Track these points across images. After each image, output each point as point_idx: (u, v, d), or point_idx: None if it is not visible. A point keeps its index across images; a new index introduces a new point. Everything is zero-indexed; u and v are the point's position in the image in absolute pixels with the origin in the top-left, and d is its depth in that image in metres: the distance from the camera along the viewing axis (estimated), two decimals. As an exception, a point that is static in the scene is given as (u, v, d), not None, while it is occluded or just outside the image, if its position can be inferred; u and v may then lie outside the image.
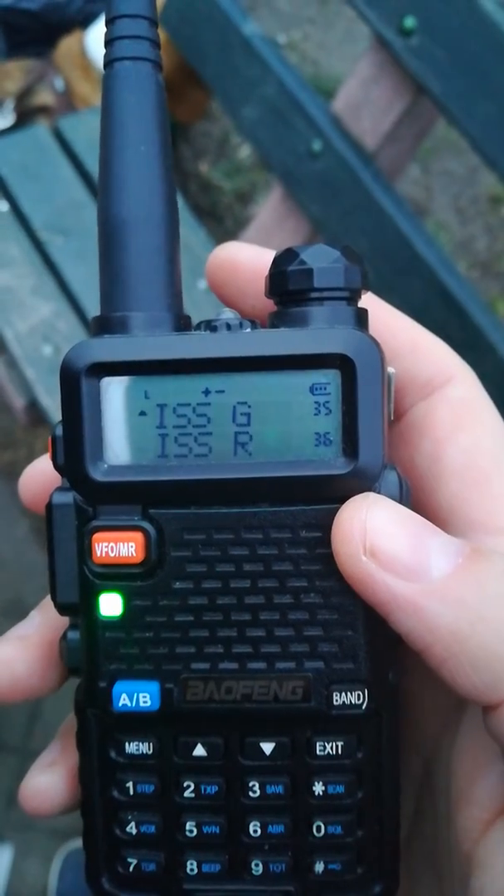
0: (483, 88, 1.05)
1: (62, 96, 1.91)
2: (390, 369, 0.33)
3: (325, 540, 0.31)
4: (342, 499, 0.31)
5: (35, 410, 1.46)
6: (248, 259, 0.36)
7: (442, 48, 1.07)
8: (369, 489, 0.31)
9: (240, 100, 1.30)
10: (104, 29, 0.34)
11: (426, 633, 0.29)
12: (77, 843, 1.60)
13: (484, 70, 1.04)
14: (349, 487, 0.31)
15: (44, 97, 1.91)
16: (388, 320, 0.36)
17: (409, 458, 0.36)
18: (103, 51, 0.34)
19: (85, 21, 1.95)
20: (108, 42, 0.34)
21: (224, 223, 2.29)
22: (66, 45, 1.93)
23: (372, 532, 0.30)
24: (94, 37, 1.93)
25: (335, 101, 1.25)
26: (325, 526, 0.31)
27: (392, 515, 0.30)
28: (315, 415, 0.31)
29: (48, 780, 0.37)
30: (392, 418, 0.33)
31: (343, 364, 0.31)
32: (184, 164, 2.37)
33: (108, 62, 0.34)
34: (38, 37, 1.97)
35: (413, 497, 0.35)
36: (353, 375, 0.31)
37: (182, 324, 0.33)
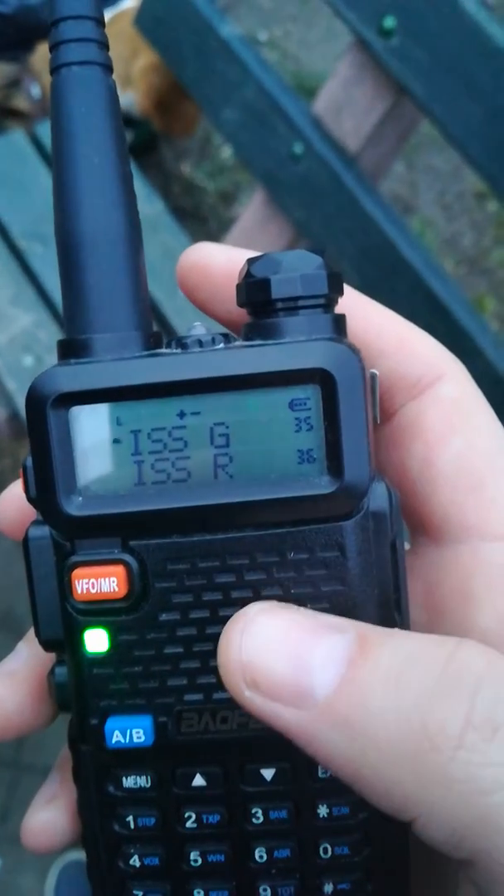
0: (465, 89, 1.03)
1: (38, 104, 1.88)
2: (374, 371, 0.32)
3: (314, 561, 0.30)
4: (330, 518, 0.30)
5: (17, 422, 1.44)
6: (221, 263, 0.34)
7: (423, 49, 1.05)
8: (357, 505, 0.30)
9: (219, 103, 1.28)
10: None
11: (325, 762, 0.27)
12: (72, 855, 1.59)
13: (466, 71, 1.03)
14: (336, 505, 0.30)
15: (19, 102, 1.87)
16: (373, 318, 0.34)
17: (400, 461, 0.34)
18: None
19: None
20: (53, 47, 0.31)
21: (208, 224, 2.27)
22: (45, 50, 1.89)
23: (248, 662, 0.27)
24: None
25: (316, 103, 1.23)
26: (313, 547, 0.30)
27: (271, 632, 0.28)
28: (296, 431, 0.30)
29: (49, 816, 0.36)
30: (378, 421, 0.32)
31: (322, 378, 0.29)
32: (166, 165, 2.35)
33: (55, 68, 0.31)
34: (13, 41, 1.94)
35: (406, 503, 0.34)
36: (334, 389, 0.29)
37: (152, 341, 0.32)
